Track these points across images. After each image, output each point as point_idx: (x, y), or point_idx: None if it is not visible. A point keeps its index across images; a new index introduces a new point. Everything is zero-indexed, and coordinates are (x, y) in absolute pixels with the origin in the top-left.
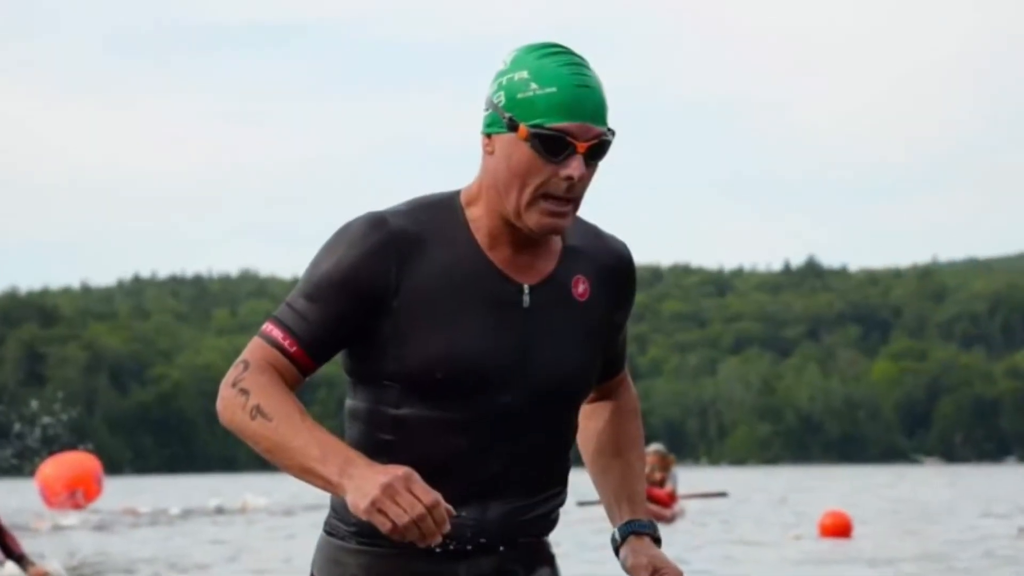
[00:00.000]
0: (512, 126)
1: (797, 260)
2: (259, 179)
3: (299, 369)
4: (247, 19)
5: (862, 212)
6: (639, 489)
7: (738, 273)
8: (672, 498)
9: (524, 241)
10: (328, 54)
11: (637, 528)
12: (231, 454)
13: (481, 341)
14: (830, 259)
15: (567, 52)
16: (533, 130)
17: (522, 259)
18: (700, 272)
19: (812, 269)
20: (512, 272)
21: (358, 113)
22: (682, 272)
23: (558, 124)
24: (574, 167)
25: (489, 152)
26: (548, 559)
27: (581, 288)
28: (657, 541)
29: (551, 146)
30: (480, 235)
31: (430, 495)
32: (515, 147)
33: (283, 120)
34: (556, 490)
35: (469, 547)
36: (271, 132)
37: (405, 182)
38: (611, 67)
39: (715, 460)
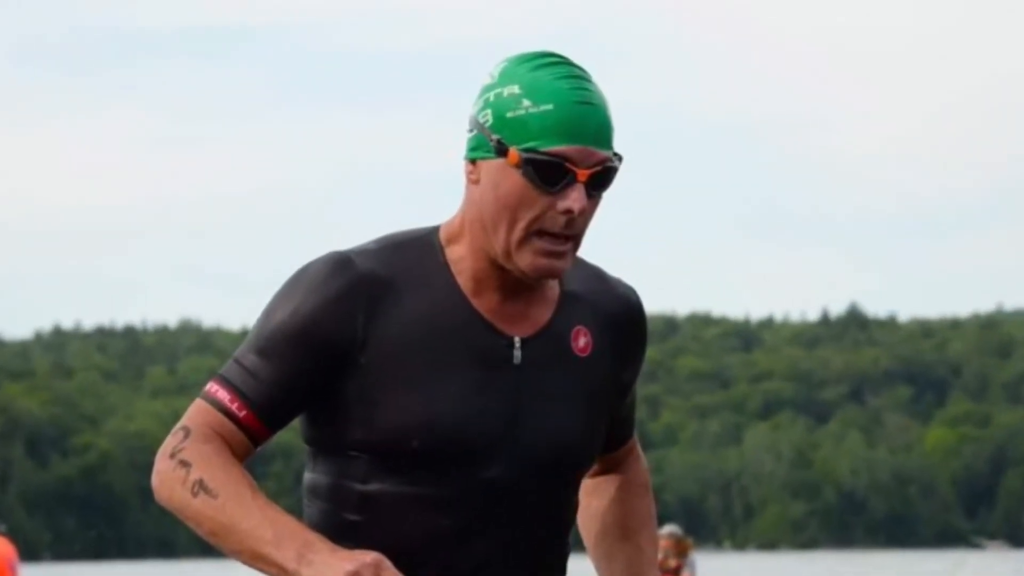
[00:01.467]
0: (501, 150)
1: (837, 309)
2: (201, 214)
3: (249, 437)
4: (182, 23)
5: (914, 253)
6: None
7: (767, 324)
8: None
9: (515, 286)
10: (281, 65)
11: None
12: (169, 537)
13: (464, 404)
14: (876, 307)
15: (566, 63)
16: (526, 155)
17: (512, 307)
18: (723, 323)
19: (855, 319)
20: (501, 322)
21: (318, 136)
22: (701, 323)
23: (555, 148)
24: (574, 198)
25: (474, 181)
26: None
27: (582, 341)
28: None
29: (547, 174)
30: (463, 279)
31: None
32: (504, 175)
33: (228, 144)
34: None
35: None
36: (213, 158)
37: (374, 216)
38: (617, 80)
39: (740, 544)
